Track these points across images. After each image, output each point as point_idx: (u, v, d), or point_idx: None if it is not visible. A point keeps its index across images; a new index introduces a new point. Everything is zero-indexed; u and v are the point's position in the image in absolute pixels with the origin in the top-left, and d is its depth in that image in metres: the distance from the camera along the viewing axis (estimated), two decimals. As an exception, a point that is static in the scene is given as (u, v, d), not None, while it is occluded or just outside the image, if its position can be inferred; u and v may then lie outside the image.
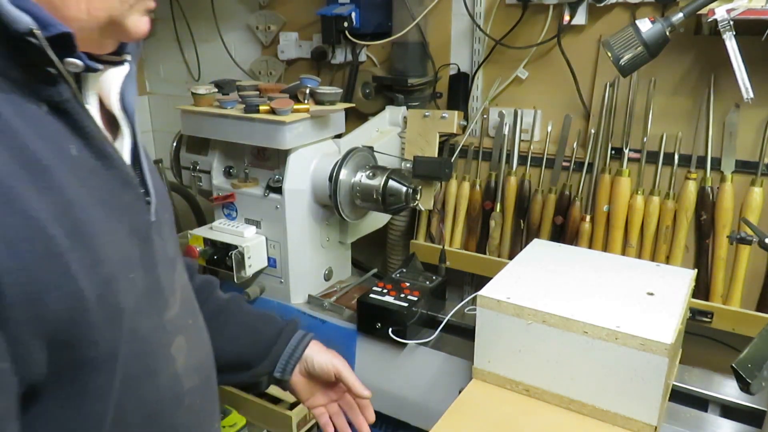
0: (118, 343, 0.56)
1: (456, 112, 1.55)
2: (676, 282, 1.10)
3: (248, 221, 1.48)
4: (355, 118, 1.78)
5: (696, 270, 1.18)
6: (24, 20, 0.48)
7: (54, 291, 0.49)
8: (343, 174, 1.39)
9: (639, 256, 1.44)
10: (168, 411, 0.65)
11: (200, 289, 0.92)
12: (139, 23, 0.59)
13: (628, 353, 0.93)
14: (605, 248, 1.48)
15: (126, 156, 0.63)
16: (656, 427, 0.95)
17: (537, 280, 1.11)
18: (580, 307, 1.00)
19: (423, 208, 1.62)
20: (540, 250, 1.26)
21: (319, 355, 0.98)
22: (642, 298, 1.04)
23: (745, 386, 0.73)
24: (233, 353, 0.93)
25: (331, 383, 1.00)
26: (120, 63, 0.63)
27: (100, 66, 0.58)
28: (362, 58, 1.82)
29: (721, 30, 1.10)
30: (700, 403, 1.11)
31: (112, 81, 0.62)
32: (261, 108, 1.35)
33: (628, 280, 1.11)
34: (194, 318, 0.74)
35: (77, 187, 0.53)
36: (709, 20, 1.13)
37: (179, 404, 0.66)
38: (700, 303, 1.36)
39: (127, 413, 0.60)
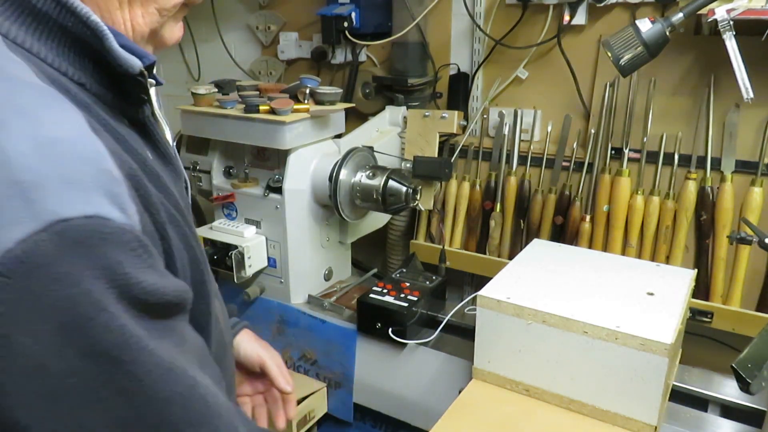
0: (202, 315, 0.65)
1: (456, 112, 1.55)
2: (676, 282, 1.10)
3: (248, 221, 1.48)
4: (355, 118, 1.78)
5: (696, 270, 1.17)
6: (136, 64, 0.54)
7: (190, 266, 0.60)
8: (343, 174, 1.39)
9: (639, 256, 1.44)
10: (221, 355, 0.73)
11: None
12: (174, 30, 0.63)
13: (628, 353, 0.93)
14: (605, 248, 1.48)
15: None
16: (656, 427, 0.95)
17: (537, 280, 1.11)
18: (580, 307, 1.00)
19: (423, 208, 1.62)
20: (540, 250, 1.26)
21: (247, 344, 0.97)
22: (642, 298, 1.04)
23: (745, 386, 0.73)
24: None
25: (260, 375, 0.99)
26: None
27: (162, 80, 0.65)
28: (362, 58, 1.82)
29: (721, 30, 1.10)
30: (700, 403, 1.11)
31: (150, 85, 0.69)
32: (261, 108, 1.35)
33: (628, 280, 1.11)
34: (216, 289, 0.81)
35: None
36: (709, 20, 1.13)
37: (226, 352, 0.76)
38: (700, 303, 1.36)
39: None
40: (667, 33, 1.12)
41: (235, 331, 0.97)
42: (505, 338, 1.05)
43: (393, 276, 1.41)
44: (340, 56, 1.85)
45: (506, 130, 1.58)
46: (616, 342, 0.94)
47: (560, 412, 1.02)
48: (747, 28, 1.11)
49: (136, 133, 0.60)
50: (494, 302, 1.04)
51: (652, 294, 1.05)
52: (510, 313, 1.03)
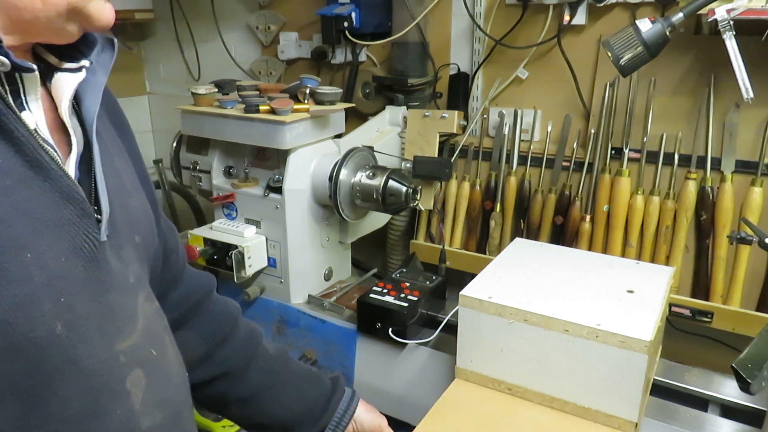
0: (26, 375, 0.50)
1: (456, 112, 1.55)
2: (655, 279, 1.11)
3: (248, 221, 1.48)
4: (355, 118, 1.78)
5: (675, 267, 1.17)
6: None
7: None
8: (343, 174, 1.39)
9: (639, 256, 1.44)
10: None
11: (247, 341, 0.92)
12: (103, 10, 0.56)
13: (609, 351, 0.93)
14: (605, 248, 1.48)
15: (70, 168, 0.57)
16: (636, 424, 0.95)
17: (518, 279, 1.11)
18: (561, 305, 1.00)
19: (423, 208, 1.62)
20: (521, 249, 1.26)
21: (366, 416, 1.00)
22: (622, 296, 1.04)
23: (745, 386, 0.73)
24: (279, 416, 0.93)
25: None
26: (78, 69, 0.60)
27: (32, 66, 0.53)
28: (362, 58, 1.82)
29: (721, 30, 1.10)
30: (700, 403, 1.11)
31: (65, 87, 0.59)
32: (261, 108, 1.35)
33: (609, 278, 1.11)
34: (159, 349, 0.66)
35: None
36: (709, 20, 1.13)
37: None
38: (700, 303, 1.36)
39: None
40: (667, 33, 1.12)
41: (352, 408, 0.98)
42: (487, 337, 1.05)
43: (393, 276, 1.40)
44: (340, 56, 1.85)
45: (506, 130, 1.58)
46: (597, 340, 0.94)
47: (542, 410, 1.02)
48: (747, 28, 1.11)
49: None
50: (476, 302, 1.04)
51: (632, 291, 1.06)
52: (492, 312, 1.03)
